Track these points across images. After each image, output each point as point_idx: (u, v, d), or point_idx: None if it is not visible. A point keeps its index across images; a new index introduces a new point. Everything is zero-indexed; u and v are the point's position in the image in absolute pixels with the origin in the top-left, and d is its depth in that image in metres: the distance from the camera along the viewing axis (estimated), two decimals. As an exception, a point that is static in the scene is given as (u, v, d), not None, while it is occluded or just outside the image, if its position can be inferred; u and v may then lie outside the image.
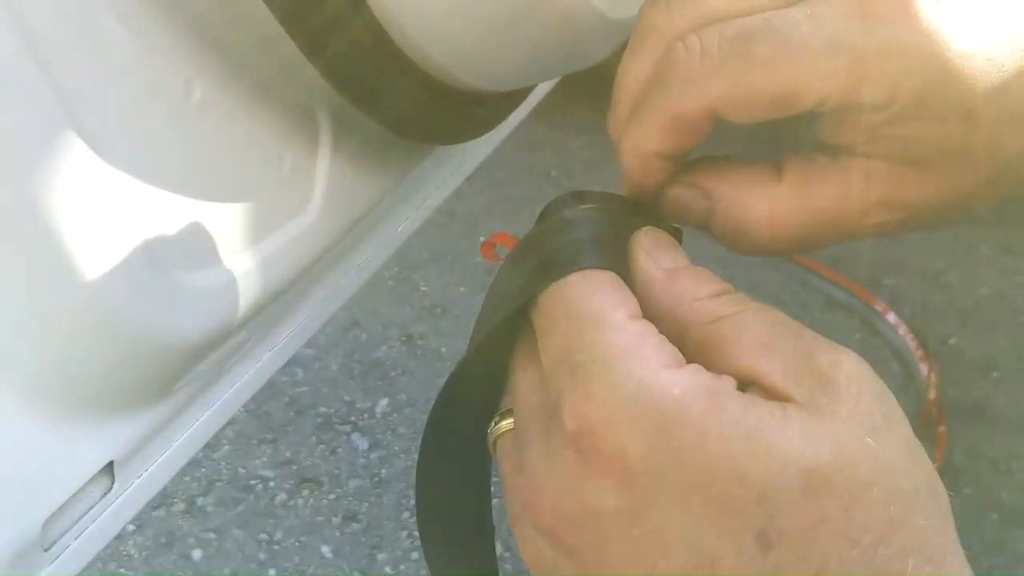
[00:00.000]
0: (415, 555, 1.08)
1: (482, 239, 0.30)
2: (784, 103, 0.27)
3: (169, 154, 0.32)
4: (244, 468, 1.18)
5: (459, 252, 1.45)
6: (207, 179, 0.33)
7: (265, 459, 1.19)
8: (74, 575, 0.33)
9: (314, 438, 1.22)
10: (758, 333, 0.25)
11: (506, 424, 0.28)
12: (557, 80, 0.53)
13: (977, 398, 1.23)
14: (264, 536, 1.10)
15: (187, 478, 1.12)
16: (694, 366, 0.25)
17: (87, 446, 0.32)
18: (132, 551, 1.07)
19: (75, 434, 0.31)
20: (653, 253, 0.28)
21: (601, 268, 0.27)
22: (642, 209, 0.30)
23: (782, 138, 0.31)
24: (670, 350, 0.25)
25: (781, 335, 0.25)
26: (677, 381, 0.24)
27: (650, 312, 0.26)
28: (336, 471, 1.18)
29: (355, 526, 1.12)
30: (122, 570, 1.05)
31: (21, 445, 0.30)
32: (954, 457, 1.13)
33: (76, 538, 0.32)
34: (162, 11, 0.31)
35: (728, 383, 0.24)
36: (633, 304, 0.26)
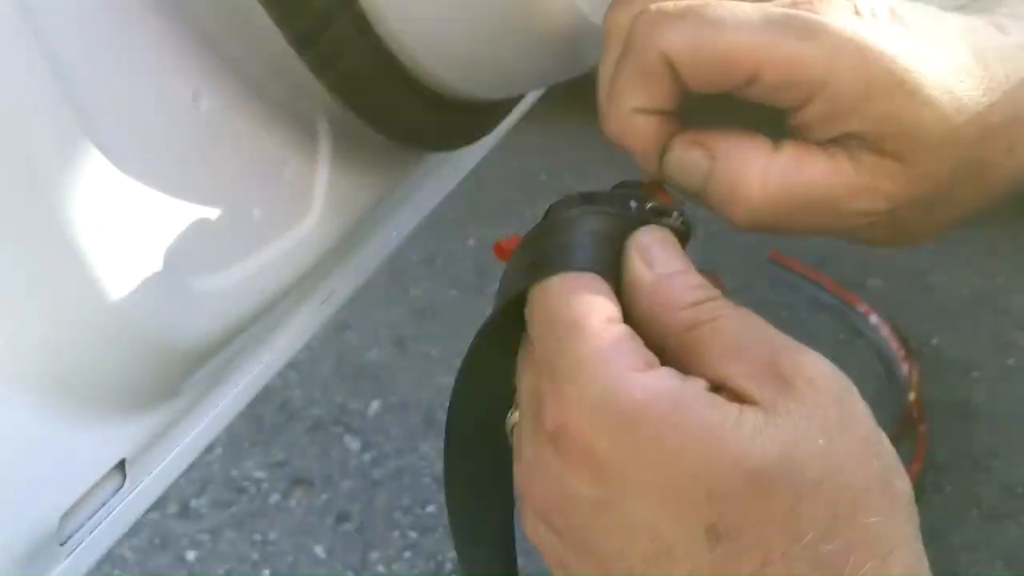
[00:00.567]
0: (407, 554, 1.09)
1: (499, 237, 0.31)
2: (728, 66, 0.29)
3: (179, 162, 0.33)
4: (237, 470, 1.18)
5: (449, 255, 1.46)
6: (215, 185, 0.34)
7: (258, 461, 1.20)
8: (87, 569, 0.34)
9: (306, 439, 1.22)
10: (730, 338, 0.27)
11: (517, 415, 0.30)
12: (542, 88, 0.54)
13: (958, 397, 1.24)
14: (258, 537, 1.11)
15: (181, 480, 1.12)
16: (665, 369, 0.26)
17: (100, 445, 0.33)
18: (127, 553, 1.07)
19: (88, 433, 0.32)
20: (648, 254, 0.29)
21: (586, 270, 0.28)
22: (650, 213, 0.31)
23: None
24: (643, 354, 0.27)
25: (751, 339, 0.27)
26: (643, 385, 0.26)
27: (635, 314, 0.28)
28: (329, 472, 1.18)
29: (348, 526, 1.12)
30: (117, 571, 1.06)
31: (38, 444, 0.31)
32: (936, 455, 1.14)
33: (90, 533, 0.33)
34: (173, 25, 0.31)
35: (697, 385, 0.26)
36: (611, 308, 0.28)
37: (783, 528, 0.24)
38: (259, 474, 1.18)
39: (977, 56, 0.30)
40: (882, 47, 0.28)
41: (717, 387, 0.26)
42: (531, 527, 0.29)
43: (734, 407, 0.25)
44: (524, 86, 0.42)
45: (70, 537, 0.32)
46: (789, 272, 1.42)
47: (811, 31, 0.28)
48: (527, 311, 0.29)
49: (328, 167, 0.39)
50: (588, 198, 0.31)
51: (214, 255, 0.34)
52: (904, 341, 1.27)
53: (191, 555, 1.08)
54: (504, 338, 0.30)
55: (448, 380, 0.31)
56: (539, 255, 0.29)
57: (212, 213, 0.34)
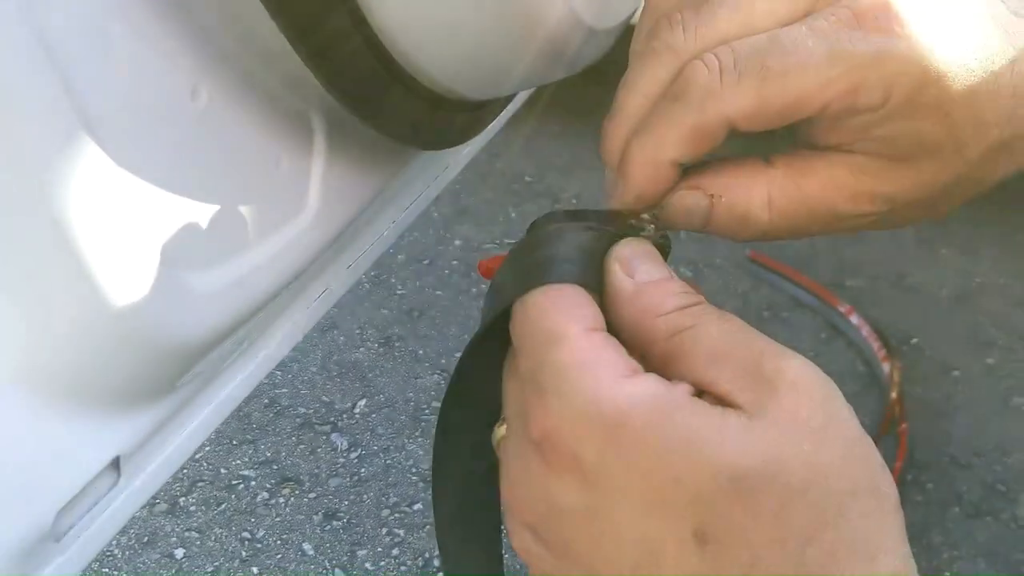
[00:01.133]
0: (395, 551, 1.09)
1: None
2: (793, 111, 0.29)
3: (176, 157, 0.33)
4: (225, 468, 1.18)
5: (435, 255, 1.46)
6: (211, 181, 0.34)
7: (246, 459, 1.20)
8: (82, 566, 0.34)
9: (294, 438, 1.22)
10: (712, 343, 0.27)
11: (503, 429, 0.30)
12: (533, 88, 0.54)
13: (938, 396, 1.25)
14: (246, 534, 1.11)
15: (169, 478, 1.12)
16: (649, 376, 0.27)
17: (95, 441, 0.33)
18: (115, 550, 1.07)
19: (84, 430, 0.32)
20: (628, 265, 0.29)
21: (566, 283, 0.28)
22: (630, 228, 0.31)
23: (768, 136, 0.32)
24: (625, 361, 0.27)
25: (733, 344, 0.27)
26: (626, 392, 0.26)
27: (619, 323, 0.28)
28: (316, 470, 1.18)
29: (335, 523, 1.12)
30: (105, 569, 1.05)
31: (34, 441, 0.31)
32: (917, 453, 1.15)
33: (85, 530, 0.33)
34: (171, 22, 0.31)
35: (681, 390, 0.26)
36: (593, 317, 0.28)
37: (768, 532, 0.24)
38: (247, 472, 1.18)
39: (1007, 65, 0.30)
40: (937, 66, 0.28)
41: (701, 392, 0.27)
42: (518, 540, 0.28)
43: (717, 411, 0.26)
44: (516, 85, 0.42)
45: (65, 534, 0.33)
46: (770, 272, 1.42)
47: (878, 58, 0.28)
48: (511, 325, 0.29)
49: (322, 162, 0.39)
50: (571, 215, 0.31)
51: (209, 252, 0.34)
52: (885, 340, 1.28)
53: (179, 552, 1.08)
54: (491, 353, 0.30)
55: (435, 379, 0.31)
56: (522, 270, 0.30)
57: (207, 210, 0.34)
